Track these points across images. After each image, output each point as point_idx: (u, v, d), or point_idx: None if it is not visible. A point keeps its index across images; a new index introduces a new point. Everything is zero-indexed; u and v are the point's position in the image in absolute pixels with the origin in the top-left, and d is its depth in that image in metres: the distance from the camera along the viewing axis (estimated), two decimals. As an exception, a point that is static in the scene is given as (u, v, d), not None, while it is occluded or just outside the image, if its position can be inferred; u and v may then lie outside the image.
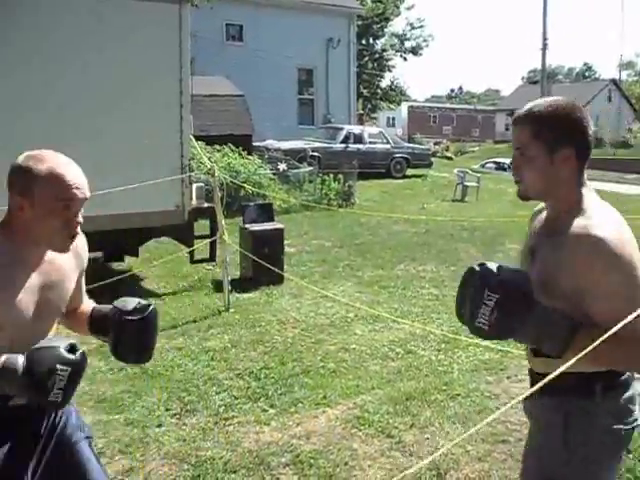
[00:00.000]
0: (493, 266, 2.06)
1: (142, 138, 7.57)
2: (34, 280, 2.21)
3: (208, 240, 8.61)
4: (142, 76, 7.56)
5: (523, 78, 76.27)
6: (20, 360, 2.05)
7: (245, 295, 8.08)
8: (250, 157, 16.24)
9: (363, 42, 37.35)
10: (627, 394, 2.21)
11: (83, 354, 2.14)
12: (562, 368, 1.86)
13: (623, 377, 2.19)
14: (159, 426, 4.69)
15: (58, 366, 2.05)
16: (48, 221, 2.15)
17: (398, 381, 5.51)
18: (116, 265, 9.27)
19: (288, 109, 25.38)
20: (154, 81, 7.66)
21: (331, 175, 16.35)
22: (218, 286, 8.19)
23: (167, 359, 5.97)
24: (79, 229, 2.25)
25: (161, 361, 5.91)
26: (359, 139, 22.26)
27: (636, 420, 2.22)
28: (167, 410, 4.95)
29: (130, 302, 2.42)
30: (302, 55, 25.31)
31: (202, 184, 9.15)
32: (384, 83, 41.79)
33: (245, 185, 11.93)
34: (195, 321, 7.09)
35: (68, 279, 2.36)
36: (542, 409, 2.27)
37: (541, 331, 2.01)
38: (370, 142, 22.54)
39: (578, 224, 2.07)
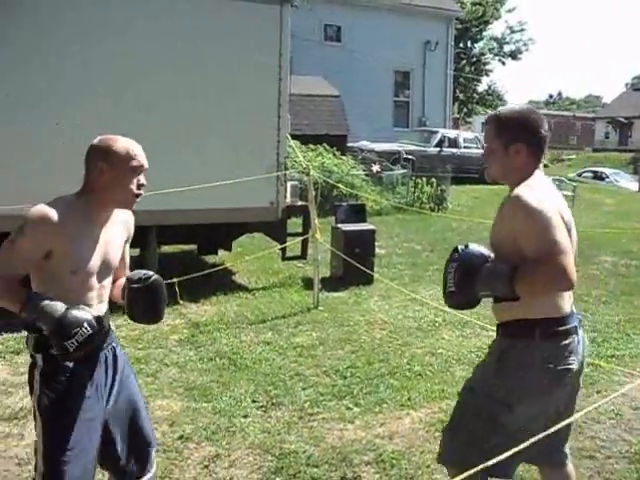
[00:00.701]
0: (470, 246, 2.72)
1: (240, 135, 7.73)
2: (100, 236, 2.75)
3: (300, 238, 8.72)
4: (243, 75, 7.73)
5: (627, 84, 73.49)
6: (61, 305, 2.54)
7: (335, 294, 8.15)
8: (344, 157, 16.33)
9: (461, 45, 36.89)
10: (565, 342, 2.73)
11: (101, 328, 2.69)
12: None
13: (563, 327, 2.74)
14: (245, 417, 4.80)
15: (85, 324, 2.54)
16: (123, 181, 2.70)
17: (484, 388, 5.45)
18: (209, 258, 9.50)
19: (383, 111, 25.35)
20: (254, 80, 7.81)
21: (424, 178, 16.25)
22: (308, 284, 8.28)
23: (255, 352, 6.10)
24: (142, 191, 2.79)
25: (249, 354, 6.04)
26: (454, 143, 22.07)
27: (570, 364, 2.73)
28: (253, 402, 5.05)
29: (137, 273, 2.92)
30: (399, 57, 25.21)
31: (296, 182, 9.24)
32: (481, 87, 41.25)
33: (339, 185, 12.00)
34: (284, 317, 7.20)
35: (120, 241, 2.90)
36: (492, 346, 2.95)
37: (492, 279, 2.61)
38: (465, 147, 22.29)
39: (513, 191, 2.67)
